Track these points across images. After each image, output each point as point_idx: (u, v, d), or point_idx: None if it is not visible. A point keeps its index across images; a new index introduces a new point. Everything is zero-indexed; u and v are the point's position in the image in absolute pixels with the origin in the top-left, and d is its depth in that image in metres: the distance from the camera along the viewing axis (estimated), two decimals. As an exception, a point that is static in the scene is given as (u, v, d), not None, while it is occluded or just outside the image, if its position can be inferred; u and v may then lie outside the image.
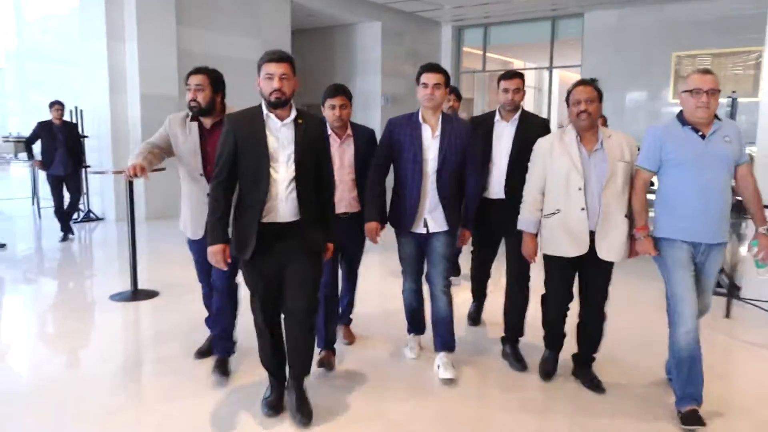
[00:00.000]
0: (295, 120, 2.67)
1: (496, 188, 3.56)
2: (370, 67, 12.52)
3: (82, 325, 4.38)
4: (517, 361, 3.52)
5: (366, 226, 3.34)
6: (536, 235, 3.20)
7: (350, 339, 3.89)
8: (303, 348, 2.81)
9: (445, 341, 3.38)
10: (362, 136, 3.47)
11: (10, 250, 6.75)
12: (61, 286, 5.60)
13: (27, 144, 7.39)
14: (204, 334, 3.69)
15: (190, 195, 3.29)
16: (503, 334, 3.67)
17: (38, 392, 3.21)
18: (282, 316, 2.84)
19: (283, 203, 2.65)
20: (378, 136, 3.50)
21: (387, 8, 12.17)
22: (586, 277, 3.17)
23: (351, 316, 3.92)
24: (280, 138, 2.65)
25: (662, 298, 2.97)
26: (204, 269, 3.43)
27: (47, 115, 7.33)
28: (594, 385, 3.22)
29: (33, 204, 9.44)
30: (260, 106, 2.68)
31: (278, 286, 2.77)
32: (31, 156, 7.35)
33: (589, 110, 2.98)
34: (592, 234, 3.00)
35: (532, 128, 3.51)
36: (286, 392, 2.90)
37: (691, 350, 2.79)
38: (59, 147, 7.15)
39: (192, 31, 8.95)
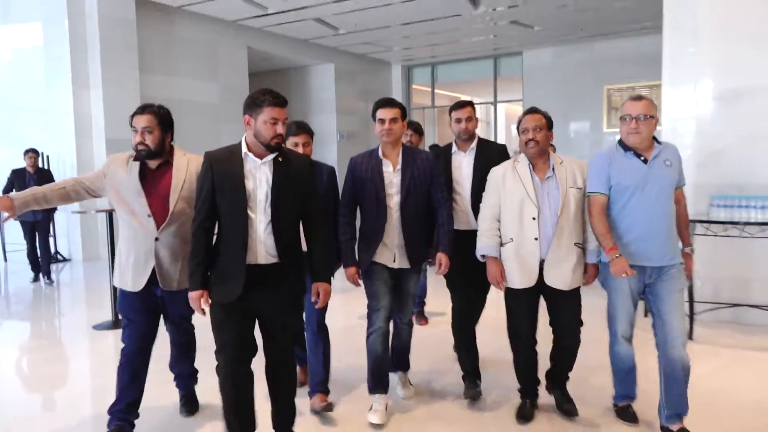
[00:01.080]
0: (275, 159, 2.60)
1: (464, 219, 3.46)
2: (325, 106, 13.19)
3: (72, 352, 4.73)
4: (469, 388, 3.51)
5: (346, 272, 3.28)
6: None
7: (328, 405, 3.35)
8: (285, 399, 2.76)
9: (401, 361, 3.58)
10: (323, 173, 3.42)
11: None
12: (41, 320, 5.89)
13: (4, 193, 7.51)
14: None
15: (135, 240, 2.93)
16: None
17: (40, 413, 3.55)
18: (248, 373, 2.73)
19: (261, 244, 2.57)
20: (337, 173, 3.54)
21: (339, 51, 12.87)
22: (552, 304, 3.09)
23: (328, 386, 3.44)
24: (258, 177, 2.58)
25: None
26: (140, 327, 3.00)
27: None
28: (565, 410, 3.16)
29: (-2, 248, 9.55)
30: (239, 144, 2.62)
31: (249, 336, 2.67)
32: None
33: (537, 138, 2.95)
34: (542, 263, 2.97)
35: (490, 156, 3.46)
36: None
37: (628, 362, 3.03)
38: (29, 194, 7.35)
39: (154, 78, 9.36)
